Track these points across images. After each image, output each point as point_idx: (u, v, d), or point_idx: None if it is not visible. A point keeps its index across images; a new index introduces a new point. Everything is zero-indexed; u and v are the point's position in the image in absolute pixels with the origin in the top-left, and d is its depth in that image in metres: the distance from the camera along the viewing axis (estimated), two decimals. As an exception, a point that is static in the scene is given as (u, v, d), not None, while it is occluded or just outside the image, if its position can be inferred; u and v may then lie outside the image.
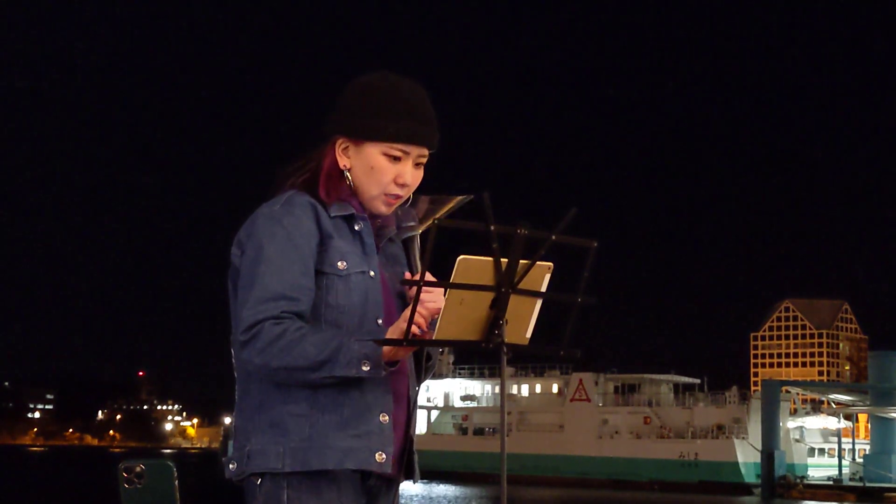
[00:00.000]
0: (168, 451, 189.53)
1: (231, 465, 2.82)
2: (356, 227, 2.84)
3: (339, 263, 2.79)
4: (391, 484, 2.87)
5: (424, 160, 2.88)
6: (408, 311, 2.64)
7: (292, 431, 2.73)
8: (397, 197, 2.86)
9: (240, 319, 2.71)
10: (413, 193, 2.94)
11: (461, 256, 2.56)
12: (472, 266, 2.58)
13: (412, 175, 2.85)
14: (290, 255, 2.74)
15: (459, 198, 2.97)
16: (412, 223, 2.95)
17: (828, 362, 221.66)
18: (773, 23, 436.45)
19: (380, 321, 2.81)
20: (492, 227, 2.55)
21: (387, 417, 2.79)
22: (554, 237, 2.60)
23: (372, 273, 2.83)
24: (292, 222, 2.76)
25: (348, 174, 2.87)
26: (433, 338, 2.62)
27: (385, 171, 2.83)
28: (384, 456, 2.77)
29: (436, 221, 2.57)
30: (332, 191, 2.85)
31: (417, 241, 2.99)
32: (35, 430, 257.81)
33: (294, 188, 2.85)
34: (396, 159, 2.83)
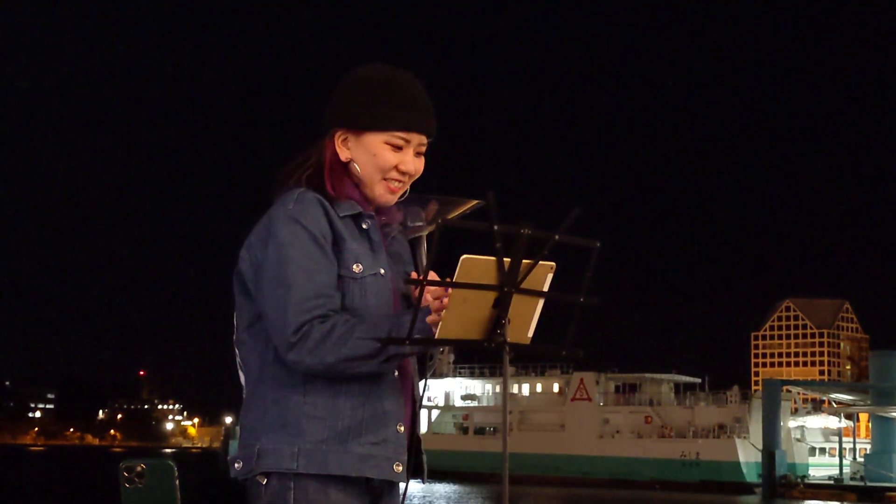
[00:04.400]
0: (169, 450, 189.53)
1: (237, 465, 2.79)
2: (363, 226, 2.84)
3: (355, 267, 2.78)
4: (393, 484, 2.86)
5: (424, 148, 2.90)
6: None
7: (308, 433, 2.71)
8: (399, 184, 2.87)
9: (283, 324, 2.67)
10: (423, 194, 2.94)
11: (464, 256, 2.55)
12: (476, 265, 2.57)
13: (413, 163, 2.87)
14: (315, 254, 2.73)
15: (472, 203, 2.96)
16: (420, 223, 2.95)
17: (829, 362, 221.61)
18: (774, 21, 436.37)
19: None
20: (496, 227, 2.54)
21: (402, 427, 2.80)
22: (557, 237, 2.58)
23: (382, 271, 2.83)
24: (310, 221, 2.75)
25: (353, 165, 2.86)
26: (436, 337, 2.61)
27: (387, 160, 2.84)
28: (401, 466, 2.78)
29: (440, 221, 2.56)
30: (337, 184, 2.85)
31: (424, 241, 2.98)
32: (36, 429, 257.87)
33: (300, 185, 2.84)
34: (398, 148, 2.85)
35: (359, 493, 2.76)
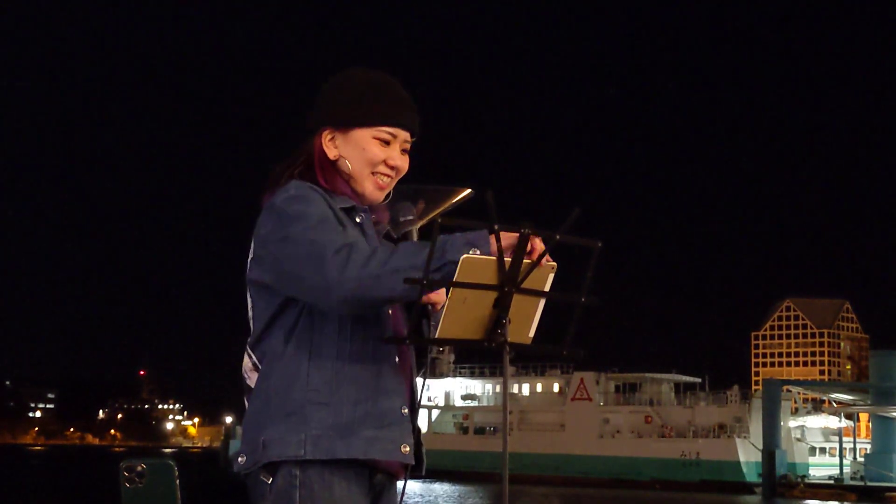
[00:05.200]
0: (169, 450, 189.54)
1: (241, 458, 2.78)
2: (357, 220, 2.85)
3: None
4: (393, 480, 2.87)
5: (408, 146, 2.93)
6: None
7: (312, 420, 2.71)
8: (388, 179, 2.90)
9: (322, 253, 2.62)
10: (412, 187, 2.96)
11: (464, 256, 2.55)
12: (476, 265, 2.56)
13: (401, 158, 2.90)
14: (331, 218, 2.74)
15: (462, 194, 2.96)
16: (410, 217, 2.96)
17: (829, 361, 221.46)
18: (773, 21, 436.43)
19: (390, 311, 2.84)
20: (496, 227, 2.54)
21: (407, 410, 2.81)
22: (558, 237, 2.58)
23: None
24: (315, 198, 2.77)
25: (343, 163, 2.88)
26: (436, 336, 2.61)
27: (376, 154, 2.88)
28: (408, 448, 2.79)
29: (438, 220, 2.56)
30: (329, 178, 2.87)
31: (415, 235, 2.99)
32: (36, 429, 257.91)
33: (293, 179, 2.85)
34: (385, 143, 2.88)
35: (361, 490, 2.77)
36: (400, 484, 2.88)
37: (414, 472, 2.87)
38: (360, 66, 2.94)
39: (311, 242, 2.66)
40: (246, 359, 2.86)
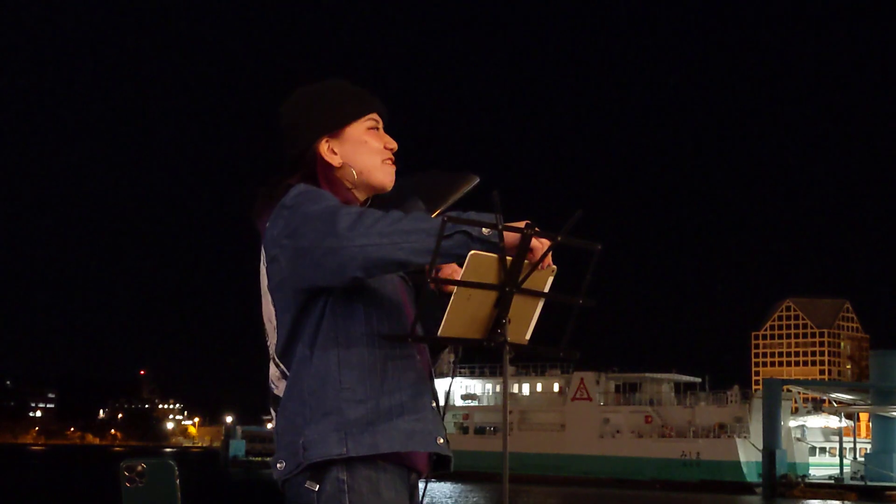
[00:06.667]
0: (169, 450, 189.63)
1: (279, 465, 2.77)
2: None
3: None
4: (418, 480, 2.89)
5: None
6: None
7: (350, 416, 2.71)
8: (392, 160, 2.95)
9: (333, 219, 2.65)
10: (413, 178, 2.99)
11: (472, 252, 2.56)
12: (483, 262, 2.57)
13: (391, 139, 2.97)
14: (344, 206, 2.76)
15: (469, 182, 2.96)
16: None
17: (829, 361, 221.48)
18: (774, 21, 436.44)
19: (406, 311, 2.86)
20: (499, 226, 2.55)
21: (436, 404, 2.83)
22: (559, 238, 2.59)
23: None
24: (327, 195, 2.79)
25: (348, 170, 2.90)
26: (439, 334, 2.62)
27: (375, 140, 2.93)
28: (442, 439, 2.81)
29: (445, 217, 2.56)
30: (333, 188, 2.89)
31: None
32: (37, 428, 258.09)
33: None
34: (376, 129, 2.95)
35: (406, 492, 2.80)
36: (421, 484, 2.90)
37: (443, 470, 2.89)
38: (308, 82, 2.99)
39: (324, 209, 2.69)
40: (273, 368, 2.85)
